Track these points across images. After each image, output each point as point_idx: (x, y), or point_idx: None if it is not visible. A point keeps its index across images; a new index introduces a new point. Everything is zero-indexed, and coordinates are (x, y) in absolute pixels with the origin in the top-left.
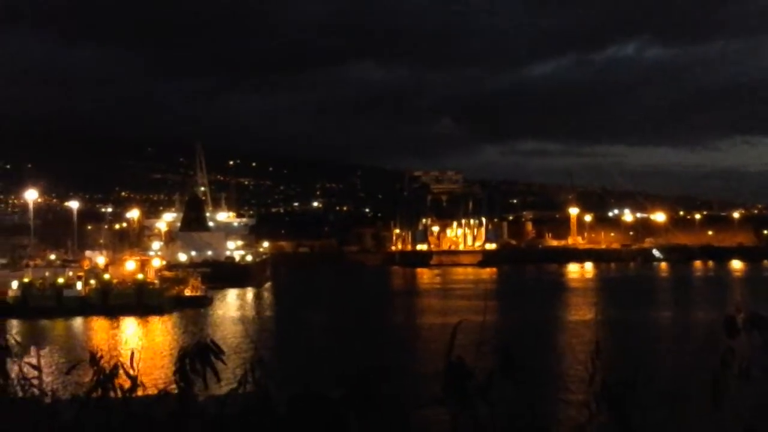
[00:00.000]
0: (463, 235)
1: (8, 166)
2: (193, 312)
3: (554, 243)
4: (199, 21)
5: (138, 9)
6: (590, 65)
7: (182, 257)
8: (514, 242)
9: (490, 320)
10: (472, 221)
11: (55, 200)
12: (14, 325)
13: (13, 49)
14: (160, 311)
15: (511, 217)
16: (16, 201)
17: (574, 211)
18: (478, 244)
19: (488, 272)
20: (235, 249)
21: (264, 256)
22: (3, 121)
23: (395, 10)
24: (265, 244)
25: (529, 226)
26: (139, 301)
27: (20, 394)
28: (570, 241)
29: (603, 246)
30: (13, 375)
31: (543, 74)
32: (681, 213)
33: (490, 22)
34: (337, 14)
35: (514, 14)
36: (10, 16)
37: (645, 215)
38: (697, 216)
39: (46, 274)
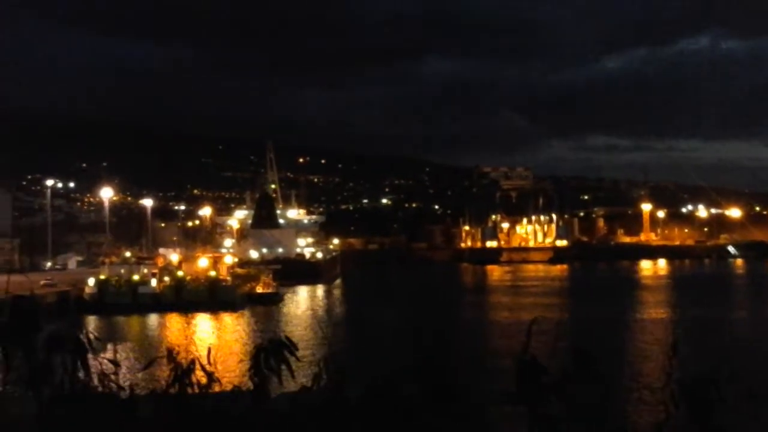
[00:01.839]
0: (533, 232)
1: (84, 165)
2: (265, 309)
3: (626, 239)
4: (273, 18)
5: (210, 7)
6: (662, 58)
7: (253, 254)
8: (585, 239)
9: (562, 318)
10: (542, 218)
11: (129, 198)
12: (91, 322)
13: (87, 51)
14: (232, 308)
15: (582, 214)
16: (92, 199)
17: (646, 207)
18: (548, 240)
19: (559, 269)
20: (305, 246)
21: (334, 253)
22: (78, 121)
23: (467, 5)
24: (335, 241)
25: (601, 223)
26: (212, 297)
27: (99, 389)
28: (642, 237)
29: (676, 242)
30: (92, 370)
31: (614, 68)
32: (757, 208)
33: (561, 15)
34: (408, 10)
35: (585, 8)
36: (82, 19)
37: (720, 211)
38: None
39: (122, 271)
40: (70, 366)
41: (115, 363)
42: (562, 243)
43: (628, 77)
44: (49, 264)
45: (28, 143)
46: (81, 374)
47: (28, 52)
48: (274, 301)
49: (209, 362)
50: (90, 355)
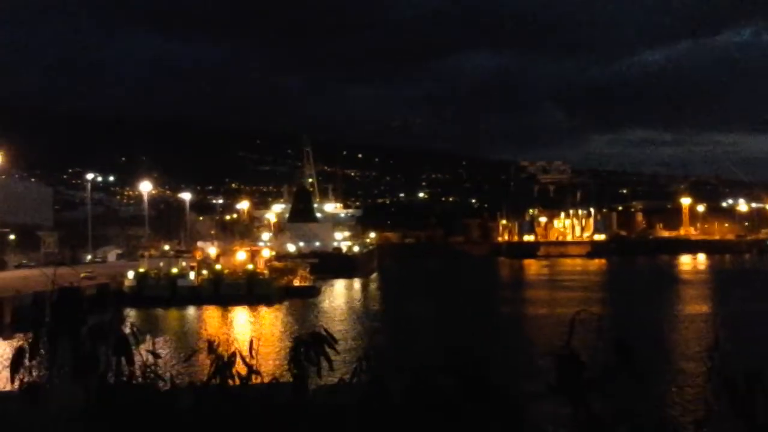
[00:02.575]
0: (571, 226)
1: (123, 159)
2: (302, 302)
3: (665, 234)
4: (311, 14)
5: (250, 5)
6: (704, 52)
7: (291, 248)
8: (623, 233)
9: (601, 312)
10: (580, 212)
11: (168, 192)
12: (130, 314)
13: (129, 47)
14: (269, 301)
15: (620, 208)
16: (131, 193)
17: (686, 201)
18: (586, 234)
19: (597, 263)
20: (342, 240)
21: (370, 247)
22: (119, 115)
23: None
24: (372, 234)
25: (640, 217)
26: (249, 290)
27: (140, 380)
28: (682, 231)
29: (716, 237)
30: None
31: (655, 61)
32: None
33: (602, 9)
34: (447, 5)
35: (626, 1)
36: (126, 16)
37: (760, 205)
38: None
39: (161, 264)
40: (114, 357)
41: (156, 355)
42: (600, 237)
43: (669, 70)
44: (89, 257)
45: (69, 138)
46: (124, 366)
47: (72, 49)
48: (311, 294)
49: (251, 354)
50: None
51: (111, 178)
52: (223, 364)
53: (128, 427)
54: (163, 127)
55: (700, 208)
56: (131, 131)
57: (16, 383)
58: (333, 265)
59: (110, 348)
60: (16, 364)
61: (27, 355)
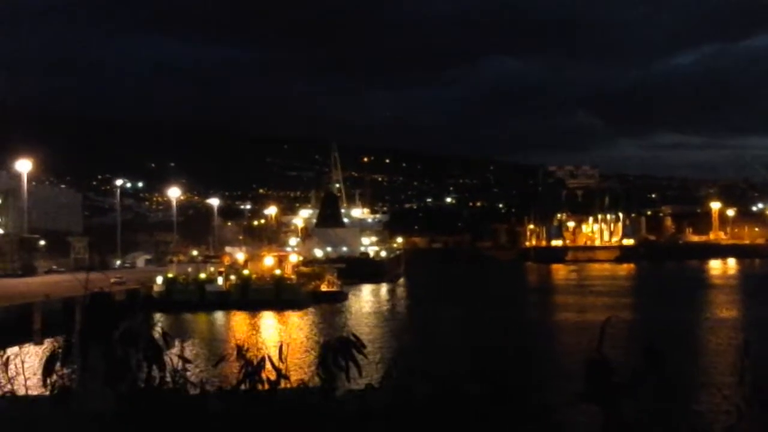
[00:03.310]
0: (600, 231)
1: (153, 165)
2: (329, 307)
3: (695, 238)
4: (338, 19)
5: (275, 10)
6: (734, 54)
7: (318, 253)
8: (652, 238)
9: (630, 318)
10: (608, 216)
11: (196, 198)
12: (159, 319)
13: (156, 52)
14: (297, 306)
15: (649, 212)
16: (160, 199)
17: (715, 205)
18: (615, 239)
19: (626, 268)
20: (369, 245)
21: (398, 252)
22: (146, 122)
23: (534, 3)
24: (399, 239)
25: (669, 221)
26: (277, 296)
27: (171, 384)
28: (712, 236)
29: (746, 241)
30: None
31: (684, 65)
32: None
33: (629, 12)
34: (474, 8)
35: (654, 4)
36: (152, 21)
37: None
38: None
39: (189, 269)
40: (145, 362)
41: (186, 359)
42: (629, 242)
43: (699, 74)
44: (118, 262)
45: (99, 144)
46: (155, 370)
47: (98, 55)
48: (338, 299)
49: (281, 359)
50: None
51: (140, 184)
52: (253, 369)
53: (159, 431)
54: (191, 133)
55: (730, 212)
56: (160, 137)
57: (47, 387)
58: (360, 270)
59: (141, 353)
60: (48, 369)
61: (59, 360)
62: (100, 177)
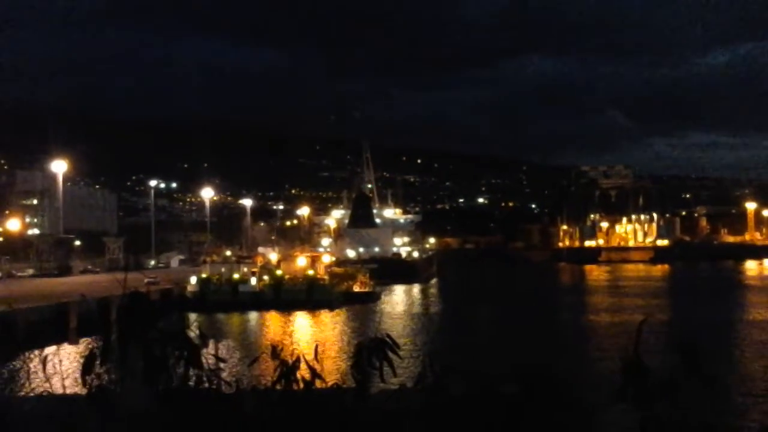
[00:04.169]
0: (633, 231)
1: (186, 166)
2: (362, 307)
3: (730, 239)
4: (370, 22)
5: (308, 12)
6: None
7: (350, 253)
8: (687, 238)
9: (666, 318)
10: (642, 217)
11: (229, 198)
12: (193, 319)
13: (191, 53)
14: (329, 306)
15: (683, 213)
16: (193, 199)
17: (751, 205)
18: (649, 240)
19: (660, 269)
20: (401, 245)
21: (430, 252)
22: (180, 122)
23: (566, 2)
24: (431, 240)
25: (703, 222)
26: (310, 296)
27: (206, 384)
28: (747, 236)
29: None
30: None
31: (718, 64)
32: None
33: (661, 12)
34: (507, 9)
35: (687, 4)
36: (188, 21)
37: None
38: None
39: (222, 269)
40: (183, 361)
41: (220, 359)
42: (663, 242)
43: (733, 73)
44: (152, 262)
45: (133, 145)
46: (191, 370)
47: (135, 57)
48: (370, 300)
49: (316, 359)
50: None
51: (173, 185)
52: (288, 368)
53: (194, 430)
54: (223, 133)
55: (766, 212)
56: (193, 138)
57: (86, 386)
58: (392, 270)
59: (178, 352)
60: (87, 368)
61: (98, 359)
62: (134, 177)
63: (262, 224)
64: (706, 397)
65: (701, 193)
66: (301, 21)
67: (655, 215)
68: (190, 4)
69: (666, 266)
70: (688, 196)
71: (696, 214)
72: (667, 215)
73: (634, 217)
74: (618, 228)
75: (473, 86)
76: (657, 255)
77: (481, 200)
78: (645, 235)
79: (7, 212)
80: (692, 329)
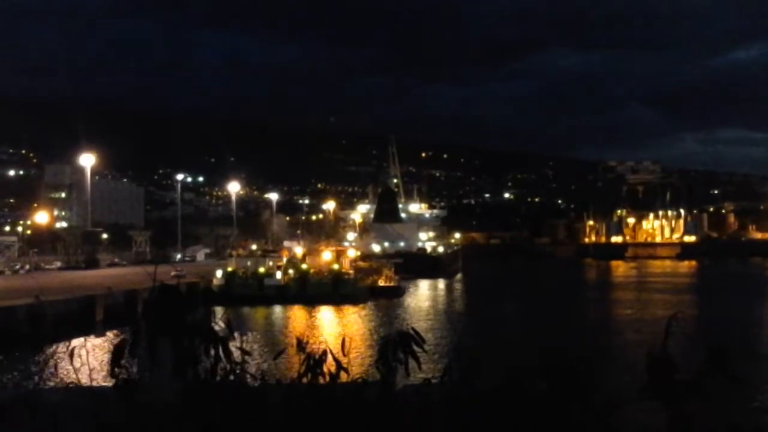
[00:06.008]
0: (660, 227)
1: (213, 160)
2: (387, 302)
3: (758, 235)
4: (398, 15)
5: (334, 6)
6: None
7: (376, 248)
8: (715, 234)
9: (694, 315)
10: (669, 213)
11: (255, 192)
12: (218, 312)
13: (216, 48)
14: (354, 301)
15: (711, 209)
16: (219, 193)
17: None
18: (676, 236)
19: (687, 265)
20: (426, 240)
21: (455, 247)
22: (207, 117)
23: None
24: (457, 235)
25: (732, 218)
26: (335, 290)
27: (231, 377)
28: None
29: None
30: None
31: (747, 59)
32: None
33: (692, 7)
34: (534, 3)
35: None
36: (213, 18)
37: None
38: None
39: (248, 263)
40: (212, 354)
41: (246, 352)
42: (690, 239)
43: (762, 69)
44: (178, 256)
45: (159, 138)
46: (221, 361)
47: (160, 52)
48: (396, 294)
49: (343, 352)
50: (228, 344)
51: (200, 179)
52: (314, 362)
53: (220, 422)
54: (249, 127)
55: None
56: (220, 132)
57: (115, 378)
58: (418, 265)
59: (207, 345)
60: (116, 360)
61: (127, 351)
62: (161, 171)
63: (280, 216)
64: (734, 396)
65: (729, 189)
66: (326, 16)
67: (682, 211)
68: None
69: (693, 263)
70: (715, 192)
71: (724, 210)
72: (695, 211)
73: (661, 212)
74: (645, 224)
75: (500, 81)
76: (684, 251)
77: (506, 195)
78: (672, 231)
79: (35, 205)
80: (720, 327)
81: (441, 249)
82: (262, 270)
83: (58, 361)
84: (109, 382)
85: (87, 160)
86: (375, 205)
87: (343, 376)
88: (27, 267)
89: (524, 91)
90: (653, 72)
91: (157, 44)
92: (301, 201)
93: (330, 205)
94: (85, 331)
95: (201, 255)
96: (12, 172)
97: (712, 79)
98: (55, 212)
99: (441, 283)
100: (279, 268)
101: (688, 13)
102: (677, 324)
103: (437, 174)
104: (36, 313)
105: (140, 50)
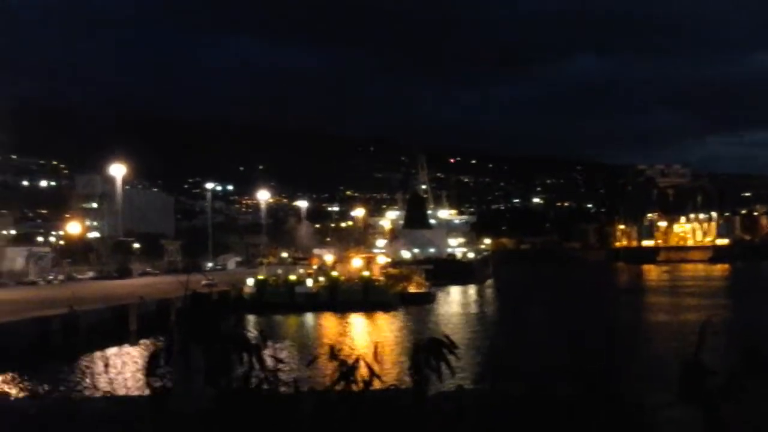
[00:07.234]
0: (692, 231)
1: (242, 168)
2: (417, 308)
3: None
4: (424, 21)
5: (356, 12)
6: None
7: (405, 254)
8: (747, 237)
9: (727, 319)
10: (701, 216)
11: (285, 200)
12: (250, 320)
13: (244, 55)
14: (385, 307)
15: (743, 211)
16: (249, 201)
17: None
18: (708, 239)
19: (720, 269)
20: (456, 246)
21: (485, 253)
22: (236, 126)
23: (618, 0)
24: (486, 240)
25: (764, 221)
26: (366, 297)
27: (264, 385)
28: None
29: None
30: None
31: None
32: None
33: (716, 8)
34: (559, 7)
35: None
36: (239, 24)
37: None
38: None
39: (279, 271)
40: (246, 362)
41: (279, 359)
42: (722, 242)
43: None
44: (209, 264)
45: (189, 148)
46: (255, 369)
47: (188, 58)
48: (426, 300)
49: (376, 359)
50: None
51: (230, 187)
52: (348, 369)
53: (254, 430)
54: (279, 136)
55: None
56: (249, 140)
57: (150, 387)
58: (448, 271)
59: (240, 353)
60: (150, 369)
61: (162, 360)
62: (191, 180)
63: (307, 224)
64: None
65: (762, 191)
66: (354, 21)
67: (714, 214)
68: (239, 5)
69: (726, 266)
70: (747, 194)
71: (756, 213)
72: (727, 214)
73: (692, 216)
74: (676, 227)
75: (529, 85)
76: (716, 254)
77: (536, 200)
78: (704, 234)
79: (67, 216)
80: (754, 329)
81: (471, 255)
82: (293, 278)
83: (93, 370)
84: (143, 391)
85: (118, 170)
86: (404, 211)
87: (376, 383)
88: (60, 277)
89: (552, 94)
90: (683, 75)
91: (187, 51)
92: (330, 208)
93: (359, 212)
94: (118, 341)
95: (232, 263)
96: (44, 183)
97: (742, 82)
98: (87, 222)
99: (472, 289)
100: (309, 275)
101: (716, 15)
102: (711, 328)
103: (466, 180)
104: (70, 323)
105: (170, 57)
